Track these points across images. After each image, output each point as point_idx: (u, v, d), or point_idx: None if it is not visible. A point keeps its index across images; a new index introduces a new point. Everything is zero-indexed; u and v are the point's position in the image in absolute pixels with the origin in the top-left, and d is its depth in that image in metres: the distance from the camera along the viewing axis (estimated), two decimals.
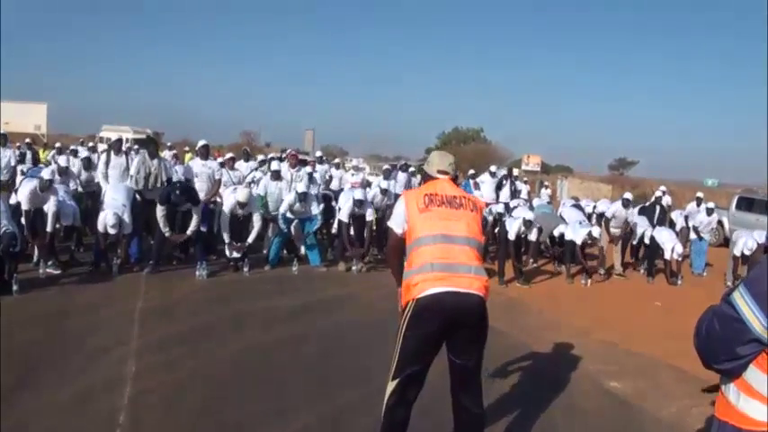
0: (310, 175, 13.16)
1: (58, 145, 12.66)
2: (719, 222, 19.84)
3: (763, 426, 2.10)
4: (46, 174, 10.06)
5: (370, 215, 11.92)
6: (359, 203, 11.68)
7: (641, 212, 15.14)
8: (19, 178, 12.10)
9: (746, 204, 21.75)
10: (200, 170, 11.78)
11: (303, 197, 11.43)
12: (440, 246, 3.92)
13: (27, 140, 19.47)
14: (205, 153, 12.42)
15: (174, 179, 11.13)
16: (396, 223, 4.19)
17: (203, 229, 11.30)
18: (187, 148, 25.35)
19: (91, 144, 16.92)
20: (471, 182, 16.35)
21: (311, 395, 5.78)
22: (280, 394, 5.77)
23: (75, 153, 14.53)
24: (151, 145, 11.57)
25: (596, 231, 12.60)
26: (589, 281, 12.51)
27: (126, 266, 10.50)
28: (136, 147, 15.29)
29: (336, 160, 18.64)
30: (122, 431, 4.84)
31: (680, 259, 13.44)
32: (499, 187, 14.04)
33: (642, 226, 14.32)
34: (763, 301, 2.03)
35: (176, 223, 10.53)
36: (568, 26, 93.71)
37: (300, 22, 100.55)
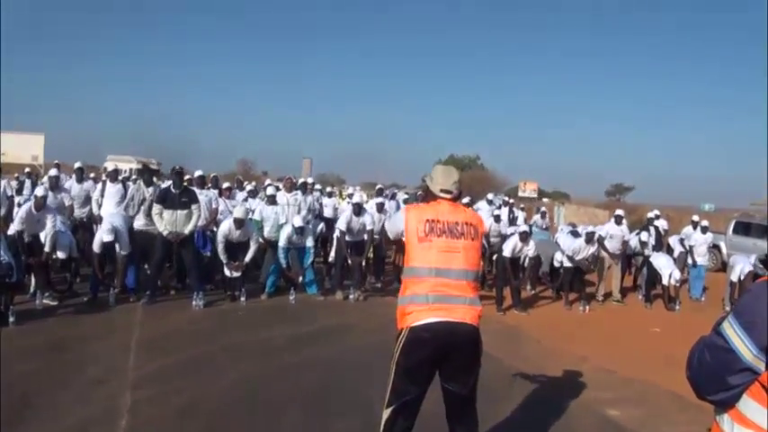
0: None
1: (53, 171, 12.60)
2: (716, 247, 19.82)
3: None
4: (39, 191, 10.10)
5: (368, 225, 12.01)
6: (357, 208, 11.93)
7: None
8: (16, 210, 12.08)
9: (744, 229, 21.60)
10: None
11: (300, 231, 11.47)
12: (436, 279, 3.91)
13: (27, 170, 19.50)
14: (201, 182, 12.46)
15: None
16: (391, 230, 4.25)
17: (207, 253, 11.34)
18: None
19: (93, 175, 16.84)
20: None
21: (310, 425, 5.77)
22: (278, 425, 5.75)
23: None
24: (146, 173, 11.58)
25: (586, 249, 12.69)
26: (587, 307, 12.49)
27: (123, 297, 10.45)
28: (134, 177, 15.25)
29: (329, 189, 18.55)
30: None
31: (678, 285, 13.42)
32: (497, 219, 13.98)
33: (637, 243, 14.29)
34: (752, 330, 2.03)
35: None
36: (563, 52, 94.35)
37: (296, 51, 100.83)
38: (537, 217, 18.88)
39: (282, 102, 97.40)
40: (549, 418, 6.22)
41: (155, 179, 11.65)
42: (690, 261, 15.05)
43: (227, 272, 11.21)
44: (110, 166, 11.42)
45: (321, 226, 13.75)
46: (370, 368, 6.91)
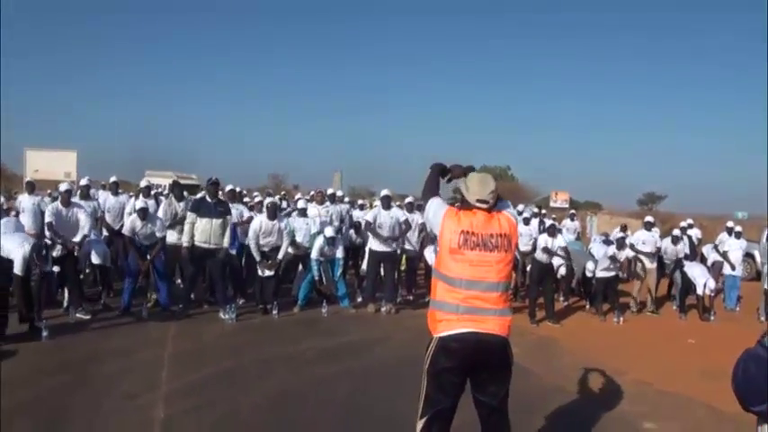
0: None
1: (84, 181, 12.75)
2: (750, 256, 19.52)
3: None
4: (63, 186, 10.31)
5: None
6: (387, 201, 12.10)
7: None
8: None
9: None
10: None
11: (332, 241, 11.50)
12: (467, 291, 3.89)
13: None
14: (232, 197, 12.53)
15: None
16: (428, 225, 4.35)
17: (233, 250, 11.39)
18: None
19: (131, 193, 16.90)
20: None
21: None
22: None
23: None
24: (176, 188, 11.65)
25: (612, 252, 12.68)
26: (621, 318, 12.37)
27: (155, 311, 10.53)
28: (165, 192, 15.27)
29: (360, 202, 18.52)
30: None
31: (713, 295, 13.26)
32: (526, 221, 13.82)
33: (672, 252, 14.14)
34: None
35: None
36: (594, 59, 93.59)
37: (325, 63, 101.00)
38: (567, 220, 18.77)
39: (314, 114, 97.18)
40: None
41: (186, 194, 11.65)
42: (727, 267, 14.78)
43: (260, 271, 11.26)
44: (144, 183, 11.43)
45: (351, 232, 13.71)
46: (401, 381, 6.87)
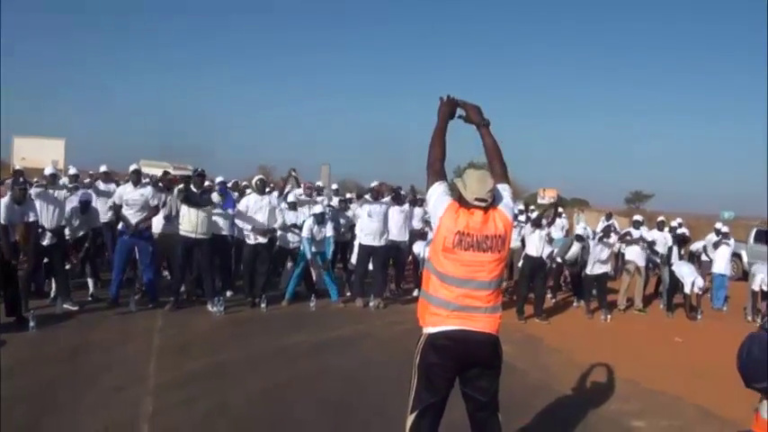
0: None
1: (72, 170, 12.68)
2: (737, 256, 19.62)
3: None
4: (47, 170, 10.37)
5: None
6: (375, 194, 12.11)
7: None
8: None
9: (765, 237, 21.30)
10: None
11: (321, 218, 11.59)
12: (458, 289, 3.88)
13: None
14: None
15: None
16: (428, 204, 4.17)
17: (229, 210, 11.40)
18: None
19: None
20: None
21: None
22: None
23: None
24: (165, 179, 11.62)
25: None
26: (609, 316, 12.41)
27: (143, 302, 10.51)
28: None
29: (348, 195, 18.34)
30: None
31: (700, 293, 13.31)
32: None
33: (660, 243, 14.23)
34: None
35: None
36: (582, 57, 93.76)
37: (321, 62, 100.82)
38: (559, 220, 18.76)
39: (301, 107, 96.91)
40: (573, 430, 6.17)
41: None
42: (715, 266, 14.79)
43: (251, 238, 11.30)
44: (146, 171, 11.30)
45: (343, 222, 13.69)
46: (390, 376, 6.88)
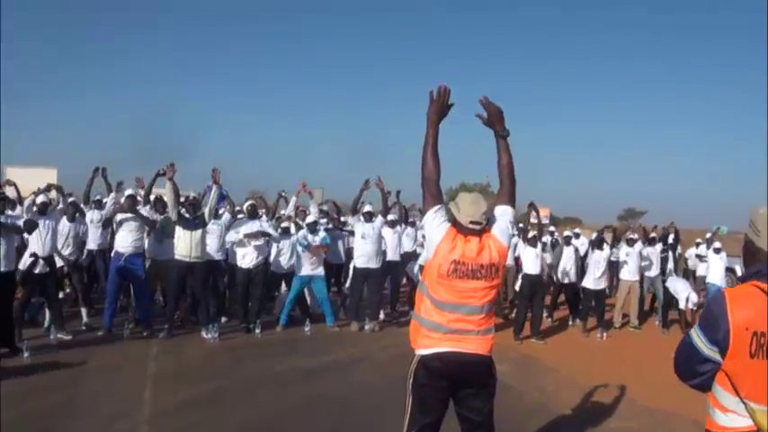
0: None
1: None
2: (732, 270, 19.66)
3: (721, 429, 2.79)
4: (39, 198, 10.09)
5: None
6: (368, 216, 12.00)
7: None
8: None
9: None
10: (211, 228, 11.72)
11: (313, 227, 11.69)
12: (451, 314, 3.90)
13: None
14: (216, 213, 12.45)
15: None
16: (426, 228, 4.07)
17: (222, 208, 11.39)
18: None
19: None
20: None
21: None
22: None
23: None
24: (158, 204, 11.59)
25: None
26: (605, 334, 12.40)
27: (137, 330, 10.45)
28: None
29: (342, 218, 18.27)
30: None
31: (695, 309, 13.31)
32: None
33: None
34: (706, 329, 2.74)
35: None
36: (571, 74, 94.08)
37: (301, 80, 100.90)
38: (547, 236, 18.81)
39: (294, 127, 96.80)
40: None
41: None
42: (710, 277, 14.81)
43: (246, 243, 11.37)
44: (129, 191, 11.21)
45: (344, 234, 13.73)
46: (386, 400, 6.84)
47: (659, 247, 14.55)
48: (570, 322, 13.72)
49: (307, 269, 11.57)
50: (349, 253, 13.43)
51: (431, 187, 4.07)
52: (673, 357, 2.94)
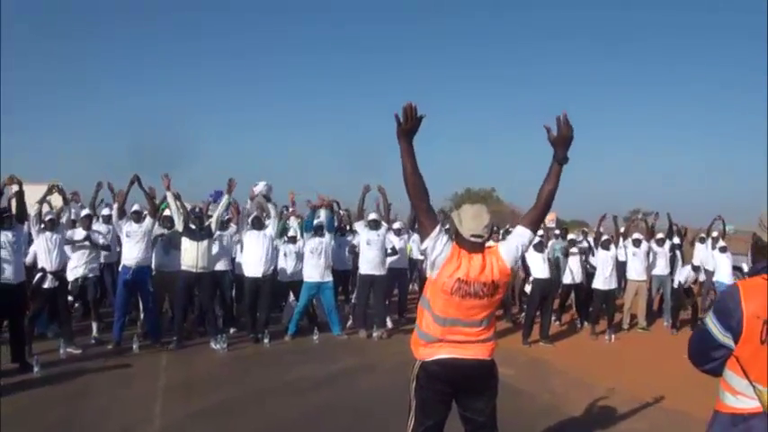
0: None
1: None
2: (739, 269, 19.62)
3: (731, 409, 2.98)
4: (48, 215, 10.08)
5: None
6: (374, 224, 12.02)
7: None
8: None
9: None
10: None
11: (321, 230, 11.71)
12: (452, 327, 3.98)
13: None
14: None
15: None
16: (429, 250, 4.01)
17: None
18: None
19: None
20: None
21: None
22: None
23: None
24: (166, 221, 11.61)
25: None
26: (613, 336, 12.38)
27: (145, 343, 10.46)
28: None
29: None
30: None
31: (687, 285, 13.44)
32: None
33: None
34: (721, 316, 2.93)
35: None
36: (575, 76, 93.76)
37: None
38: (553, 241, 18.79)
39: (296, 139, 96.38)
40: None
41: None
42: (719, 276, 14.78)
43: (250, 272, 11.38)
44: (135, 207, 11.17)
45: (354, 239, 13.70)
46: (395, 407, 6.84)
47: (668, 245, 14.53)
48: (579, 325, 13.69)
49: (314, 276, 11.56)
50: (355, 260, 13.42)
51: (422, 210, 4.05)
52: (688, 345, 3.18)
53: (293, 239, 12.15)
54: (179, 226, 10.50)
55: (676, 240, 15.96)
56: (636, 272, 13.70)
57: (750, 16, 75.36)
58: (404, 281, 13.52)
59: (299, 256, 11.96)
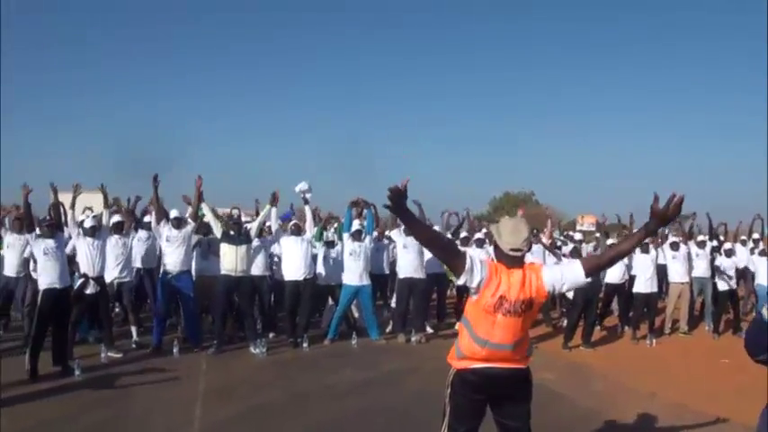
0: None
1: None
2: None
3: None
4: (87, 222, 10.11)
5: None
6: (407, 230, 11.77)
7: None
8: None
9: None
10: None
11: (358, 236, 11.66)
12: (491, 349, 4.00)
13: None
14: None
15: None
16: (469, 272, 3.99)
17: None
18: None
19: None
20: None
21: None
22: None
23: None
24: (203, 227, 11.72)
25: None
26: (654, 341, 12.24)
27: (186, 347, 10.57)
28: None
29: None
30: None
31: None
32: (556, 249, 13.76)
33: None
34: None
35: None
36: (611, 79, 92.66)
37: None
38: (590, 246, 18.65)
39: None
40: None
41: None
42: (759, 277, 14.54)
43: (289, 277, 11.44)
44: (173, 213, 11.17)
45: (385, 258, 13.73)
46: (432, 412, 6.84)
47: (709, 247, 14.30)
48: (620, 329, 13.55)
49: (353, 279, 11.59)
50: (392, 265, 13.41)
51: (446, 256, 4.24)
52: (744, 335, 3.22)
53: (331, 243, 12.18)
54: (217, 233, 10.60)
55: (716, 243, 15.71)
56: (678, 274, 13.45)
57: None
58: (443, 285, 13.48)
59: (338, 261, 11.98)
